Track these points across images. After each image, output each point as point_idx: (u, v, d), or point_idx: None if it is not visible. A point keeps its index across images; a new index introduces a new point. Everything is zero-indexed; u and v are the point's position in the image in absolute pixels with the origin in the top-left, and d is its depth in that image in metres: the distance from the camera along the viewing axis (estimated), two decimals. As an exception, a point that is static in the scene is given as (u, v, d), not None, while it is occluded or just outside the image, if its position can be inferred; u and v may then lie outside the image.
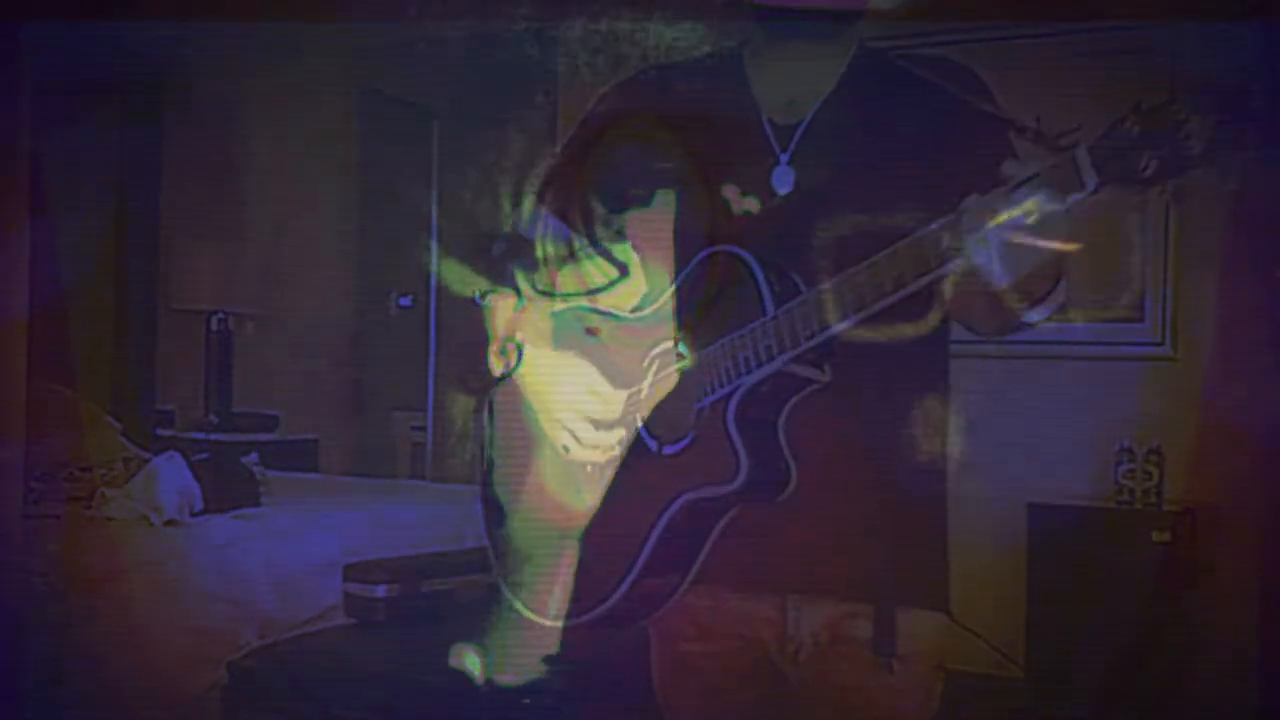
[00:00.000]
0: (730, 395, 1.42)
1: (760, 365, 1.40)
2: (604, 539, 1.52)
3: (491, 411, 1.67)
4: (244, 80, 4.41)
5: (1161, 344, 3.65)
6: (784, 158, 1.48)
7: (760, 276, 1.41)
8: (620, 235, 1.62)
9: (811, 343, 1.37)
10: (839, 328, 1.36)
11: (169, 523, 3.10)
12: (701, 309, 1.48)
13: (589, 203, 1.61)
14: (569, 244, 1.64)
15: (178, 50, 4.19)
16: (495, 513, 1.66)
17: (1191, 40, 3.47)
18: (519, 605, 1.60)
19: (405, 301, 5.29)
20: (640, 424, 1.52)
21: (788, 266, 1.42)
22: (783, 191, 1.48)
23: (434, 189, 5.30)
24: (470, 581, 2.93)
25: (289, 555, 3.03)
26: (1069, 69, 3.65)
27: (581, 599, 1.53)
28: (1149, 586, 3.28)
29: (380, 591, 2.86)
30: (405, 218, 5.15)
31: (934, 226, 1.31)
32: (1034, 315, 1.43)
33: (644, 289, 1.59)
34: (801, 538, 1.45)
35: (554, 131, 4.58)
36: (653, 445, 1.50)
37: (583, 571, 1.53)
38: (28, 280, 2.77)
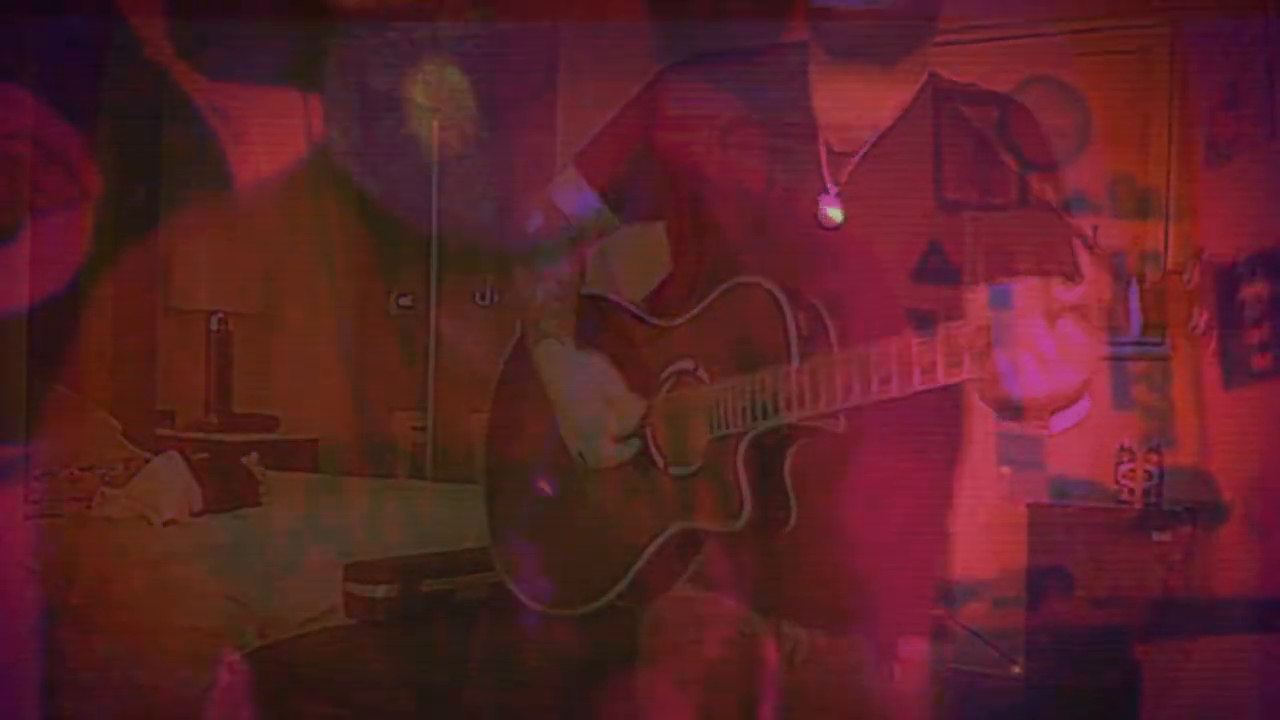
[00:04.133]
0: (743, 435, 1.40)
1: (776, 414, 1.37)
2: (604, 541, 1.53)
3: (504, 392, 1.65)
4: (244, 80, 4.40)
5: (1161, 344, 3.64)
6: (833, 189, 1.44)
7: (789, 317, 1.36)
8: (649, 220, 1.59)
9: (829, 407, 1.34)
10: (859, 400, 1.32)
11: (169, 523, 3.10)
12: (725, 337, 1.44)
13: (628, 180, 1.56)
14: (590, 220, 1.59)
15: (177, 50, 4.18)
16: (500, 499, 1.66)
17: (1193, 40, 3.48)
18: (518, 592, 1.60)
19: (405, 301, 5.28)
20: (650, 438, 1.50)
21: (817, 299, 1.38)
22: (828, 225, 1.43)
23: (434, 189, 5.29)
24: (470, 581, 2.94)
25: (289, 555, 3.02)
26: (1071, 68, 3.65)
27: (579, 592, 1.55)
28: (1149, 586, 3.28)
29: (380, 591, 2.86)
30: (405, 218, 5.14)
31: (965, 329, 1.26)
32: (1054, 426, 1.40)
33: (670, 279, 1.56)
34: (798, 570, 1.45)
35: (553, 131, 4.58)
36: (659, 461, 1.48)
37: (581, 567, 1.55)
38: (28, 280, 2.77)
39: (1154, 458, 3.48)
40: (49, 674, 2.69)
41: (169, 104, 4.39)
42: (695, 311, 1.48)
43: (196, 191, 4.46)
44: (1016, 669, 3.40)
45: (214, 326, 4.46)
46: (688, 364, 1.47)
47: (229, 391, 4.50)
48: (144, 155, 4.40)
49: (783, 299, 1.37)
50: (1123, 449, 3.50)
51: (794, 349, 1.35)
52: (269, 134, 4.26)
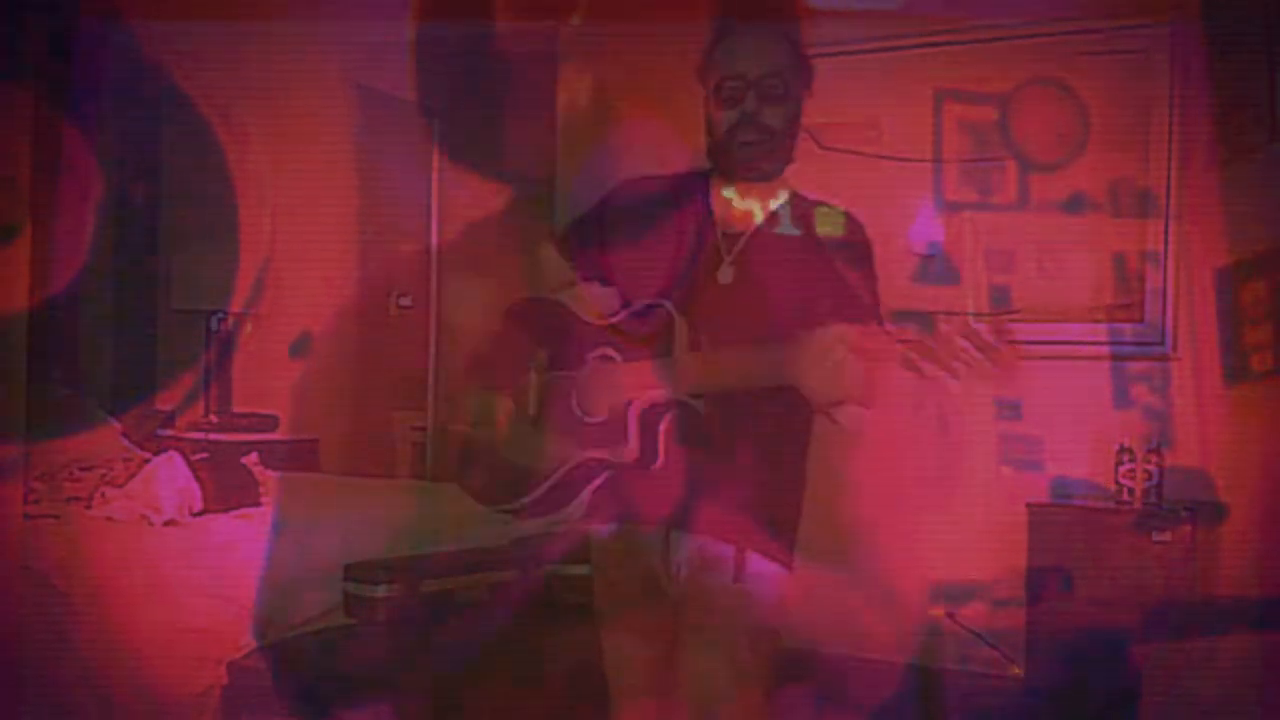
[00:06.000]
0: (634, 401, 2.08)
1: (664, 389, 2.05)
2: (531, 462, 2.16)
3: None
4: (243, 79, 4.41)
5: (1161, 344, 3.65)
6: (728, 259, 2.13)
7: (679, 328, 2.06)
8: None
9: (699, 389, 2.04)
10: (718, 387, 2.02)
11: (169, 523, 3.10)
12: (637, 337, 2.13)
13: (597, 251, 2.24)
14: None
15: (177, 49, 4.19)
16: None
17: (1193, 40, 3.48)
18: (471, 498, 2.21)
19: (405, 301, 5.28)
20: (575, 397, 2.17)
21: (711, 328, 2.05)
22: (724, 282, 2.12)
23: (434, 189, 5.30)
24: (470, 581, 2.94)
25: (289, 555, 3.02)
26: (1071, 68, 3.66)
27: (511, 496, 2.17)
28: (1149, 586, 3.28)
29: (380, 591, 2.86)
30: (405, 218, 5.14)
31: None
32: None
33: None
34: (673, 497, 2.09)
35: (554, 130, 4.58)
36: (579, 413, 2.16)
37: (515, 479, 2.17)
38: (28, 280, 2.78)
39: (1154, 458, 3.49)
40: (48, 673, 2.69)
41: (169, 104, 4.39)
42: (620, 318, 2.16)
43: (197, 191, 4.47)
44: (1016, 669, 3.41)
45: (214, 327, 4.46)
46: (609, 351, 2.15)
47: (229, 391, 4.50)
48: (144, 155, 4.41)
49: (677, 316, 2.07)
50: (1123, 449, 3.51)
51: (680, 349, 2.06)
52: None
